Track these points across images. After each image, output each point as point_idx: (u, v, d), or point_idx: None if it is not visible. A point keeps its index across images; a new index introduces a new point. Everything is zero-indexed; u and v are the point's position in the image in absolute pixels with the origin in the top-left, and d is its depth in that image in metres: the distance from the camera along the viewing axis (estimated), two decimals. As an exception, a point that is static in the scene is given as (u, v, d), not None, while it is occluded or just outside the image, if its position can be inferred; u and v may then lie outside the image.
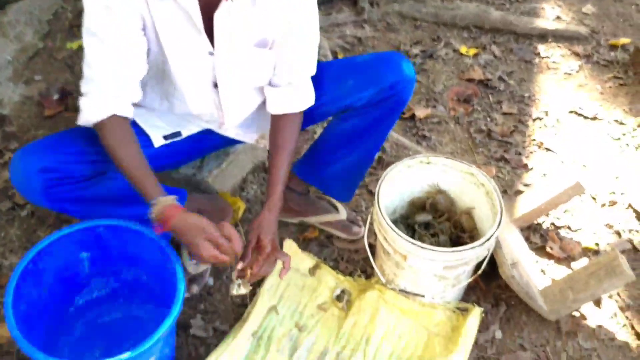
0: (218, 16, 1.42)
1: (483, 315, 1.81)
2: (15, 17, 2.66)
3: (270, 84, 1.66)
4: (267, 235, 1.56)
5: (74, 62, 2.63)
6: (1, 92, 2.45)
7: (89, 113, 1.45)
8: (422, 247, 1.62)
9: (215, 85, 1.59)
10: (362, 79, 1.69)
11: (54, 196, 1.51)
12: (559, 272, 1.99)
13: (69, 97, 2.47)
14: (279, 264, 1.60)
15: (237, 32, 1.48)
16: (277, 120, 1.68)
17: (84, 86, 1.47)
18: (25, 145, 1.55)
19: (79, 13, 2.81)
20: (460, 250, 1.62)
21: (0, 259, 1.93)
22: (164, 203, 1.43)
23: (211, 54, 1.50)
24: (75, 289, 1.66)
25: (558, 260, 2.04)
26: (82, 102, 1.47)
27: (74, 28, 2.77)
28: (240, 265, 1.53)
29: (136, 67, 1.47)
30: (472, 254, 1.64)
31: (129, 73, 1.46)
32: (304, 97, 1.66)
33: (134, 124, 1.60)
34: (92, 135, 1.52)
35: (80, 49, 2.61)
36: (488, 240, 1.64)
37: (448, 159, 1.85)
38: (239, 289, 1.55)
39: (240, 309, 1.86)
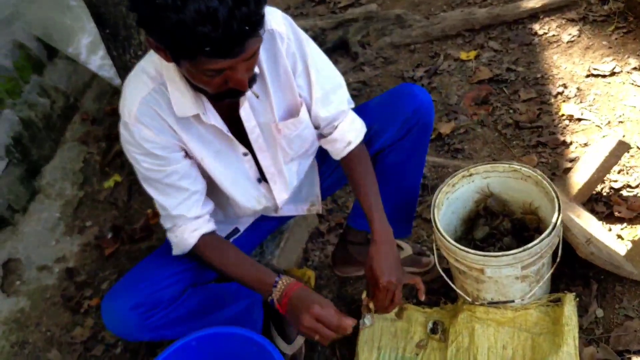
0: (243, 114, 1.49)
1: (577, 299, 1.79)
2: (52, 177, 2.84)
3: (322, 136, 1.69)
4: (383, 272, 1.57)
5: (115, 199, 2.77)
6: (62, 248, 2.59)
7: (182, 243, 1.57)
8: (495, 256, 1.63)
9: (259, 180, 1.67)
10: (383, 121, 1.74)
11: (150, 327, 1.58)
12: (637, 232, 1.96)
13: (122, 231, 2.60)
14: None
15: (264, 119, 1.55)
16: (347, 162, 1.70)
17: (166, 223, 1.59)
18: (102, 290, 1.64)
19: (104, 154, 2.98)
20: (531, 247, 1.62)
21: (108, 401, 2.01)
22: (287, 280, 1.50)
23: (245, 154, 1.58)
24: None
25: (630, 221, 2.01)
26: (171, 236, 1.59)
27: (105, 168, 2.93)
28: (365, 302, 1.59)
29: (198, 188, 1.57)
30: (543, 246, 1.64)
31: (194, 197, 1.56)
32: (357, 128, 1.68)
33: None
34: (167, 258, 1.62)
35: (117, 184, 2.78)
36: (554, 228, 1.64)
37: (487, 164, 1.87)
38: (365, 323, 1.63)
39: (343, 373, 1.88)
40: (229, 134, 1.51)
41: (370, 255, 1.60)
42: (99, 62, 2.92)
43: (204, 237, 1.57)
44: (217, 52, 1.18)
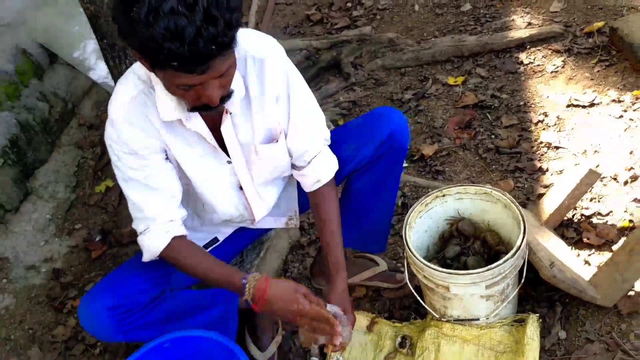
0: (224, 130, 1.57)
1: (541, 320, 1.85)
2: (45, 179, 2.92)
3: (295, 167, 1.76)
4: (349, 306, 1.68)
5: (105, 203, 2.84)
6: (50, 249, 2.66)
7: (151, 246, 1.60)
8: (458, 274, 1.70)
9: (240, 187, 1.73)
10: (360, 140, 1.81)
11: (125, 328, 1.65)
12: (604, 258, 2.03)
13: (110, 235, 2.67)
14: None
15: (244, 138, 1.62)
16: (314, 197, 1.77)
17: (138, 226, 1.62)
18: (86, 291, 1.70)
19: (98, 159, 3.06)
20: (495, 267, 1.69)
21: (85, 399, 2.07)
22: (255, 277, 1.54)
23: (229, 162, 1.65)
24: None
25: (599, 248, 2.08)
26: (141, 240, 1.61)
27: (98, 172, 3.00)
28: (337, 341, 1.57)
29: (175, 192, 1.62)
30: (507, 266, 1.71)
31: (170, 200, 1.61)
32: (330, 163, 1.75)
33: None
34: (146, 263, 1.66)
35: (108, 190, 2.85)
36: (518, 249, 1.71)
37: (460, 186, 1.95)
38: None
39: (314, 382, 1.94)
40: (213, 142, 1.58)
41: (335, 295, 1.69)
42: (106, 68, 2.97)
43: (175, 240, 1.60)
44: (183, 68, 1.26)
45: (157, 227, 1.59)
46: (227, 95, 1.42)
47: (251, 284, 1.53)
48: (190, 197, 1.74)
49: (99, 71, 3.14)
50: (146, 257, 1.63)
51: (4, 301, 2.45)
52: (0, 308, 2.43)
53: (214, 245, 1.89)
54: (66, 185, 2.96)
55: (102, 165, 3.01)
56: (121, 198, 2.84)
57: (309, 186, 1.76)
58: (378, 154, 1.80)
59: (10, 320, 2.38)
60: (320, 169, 1.73)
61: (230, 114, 1.55)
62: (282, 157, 1.70)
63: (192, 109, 1.43)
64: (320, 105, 1.77)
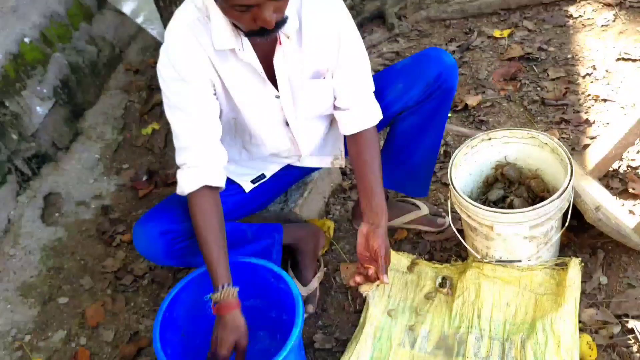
0: (276, 60, 1.60)
1: (583, 265, 1.87)
2: (94, 121, 3.00)
3: (337, 108, 1.77)
4: (388, 248, 1.72)
5: (152, 145, 2.91)
6: (99, 186, 2.75)
7: (184, 184, 1.62)
8: (503, 213, 1.72)
9: (287, 123, 1.76)
10: (409, 80, 1.82)
11: (176, 253, 1.72)
12: (648, 209, 2.03)
13: (156, 175, 2.74)
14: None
15: (293, 71, 1.65)
16: (355, 142, 1.78)
17: (178, 158, 1.65)
18: (140, 217, 1.76)
19: (145, 102, 3.13)
20: (539, 207, 1.70)
21: (135, 325, 2.16)
22: (227, 294, 1.57)
23: (277, 97, 1.68)
24: (205, 328, 1.84)
25: (644, 198, 2.07)
26: (178, 175, 1.65)
27: (144, 116, 3.07)
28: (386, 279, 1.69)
29: (216, 129, 1.65)
30: (552, 207, 1.72)
31: (212, 136, 1.64)
32: (372, 113, 1.76)
33: None
34: None
35: (154, 132, 2.92)
36: (565, 190, 1.72)
37: (506, 129, 1.95)
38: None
39: (354, 316, 2.00)
40: (263, 74, 1.61)
41: (364, 233, 1.72)
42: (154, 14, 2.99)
43: (204, 190, 1.61)
44: None
45: (194, 165, 1.61)
46: (282, 21, 1.45)
47: (221, 295, 1.57)
48: (238, 129, 1.77)
49: (147, 16, 3.19)
50: (178, 190, 1.65)
51: (56, 233, 2.55)
52: (54, 240, 2.53)
53: (261, 181, 1.93)
54: (113, 127, 3.04)
55: (148, 108, 3.08)
56: (167, 140, 2.91)
57: (350, 127, 1.76)
58: (426, 94, 1.81)
59: (63, 251, 2.49)
60: (363, 114, 1.75)
61: (282, 44, 1.58)
62: (327, 95, 1.73)
63: (248, 33, 1.45)
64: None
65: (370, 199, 1.74)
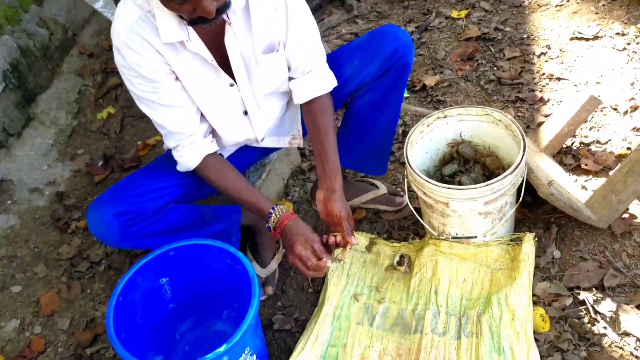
0: (227, 41, 1.58)
1: (537, 240, 1.90)
2: (47, 105, 2.92)
3: (292, 78, 1.77)
4: (339, 210, 1.70)
5: (107, 129, 2.85)
6: (54, 173, 2.68)
7: (188, 161, 1.71)
8: (457, 189, 1.73)
9: (245, 113, 1.76)
10: (366, 56, 1.81)
11: (131, 235, 1.69)
12: (600, 184, 2.06)
13: (112, 160, 2.69)
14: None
15: (246, 49, 1.63)
16: (310, 109, 1.78)
17: (167, 142, 1.72)
18: (94, 200, 1.73)
19: (100, 86, 3.06)
20: (493, 182, 1.72)
21: (92, 311, 2.12)
22: (280, 212, 1.68)
23: (232, 85, 1.67)
24: (161, 312, 1.82)
25: (595, 174, 2.11)
26: (176, 155, 1.72)
27: (99, 100, 3.00)
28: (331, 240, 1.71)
29: (193, 108, 1.67)
30: (506, 183, 1.74)
31: (193, 116, 1.67)
32: (326, 79, 1.77)
33: None
34: (154, 173, 1.74)
35: (110, 116, 2.86)
36: (518, 166, 1.74)
37: (461, 107, 1.96)
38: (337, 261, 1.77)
39: (313, 297, 2.00)
40: (214, 63, 1.59)
41: (322, 199, 1.72)
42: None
43: (207, 158, 1.72)
44: None
45: (188, 146, 1.69)
46: (225, 5, 1.43)
47: (277, 215, 1.68)
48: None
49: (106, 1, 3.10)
50: (180, 168, 1.74)
51: (9, 221, 2.49)
52: (6, 228, 2.46)
53: (218, 162, 1.91)
54: (67, 112, 2.96)
55: (103, 92, 3.01)
56: (123, 124, 2.85)
57: (303, 95, 1.77)
58: (383, 70, 1.81)
59: (16, 239, 2.42)
60: (317, 80, 1.76)
61: (231, 24, 1.56)
62: (282, 68, 1.73)
63: (191, 22, 1.43)
64: (322, 38, 1.78)
65: (324, 164, 1.74)
